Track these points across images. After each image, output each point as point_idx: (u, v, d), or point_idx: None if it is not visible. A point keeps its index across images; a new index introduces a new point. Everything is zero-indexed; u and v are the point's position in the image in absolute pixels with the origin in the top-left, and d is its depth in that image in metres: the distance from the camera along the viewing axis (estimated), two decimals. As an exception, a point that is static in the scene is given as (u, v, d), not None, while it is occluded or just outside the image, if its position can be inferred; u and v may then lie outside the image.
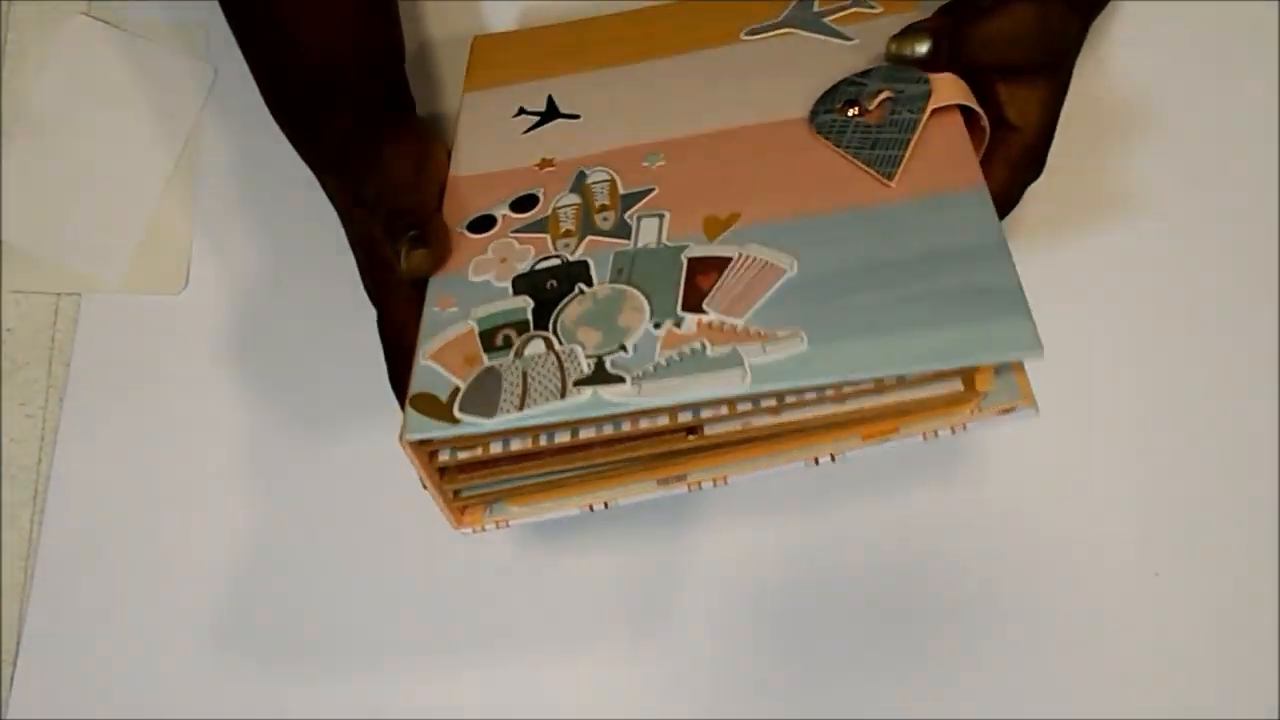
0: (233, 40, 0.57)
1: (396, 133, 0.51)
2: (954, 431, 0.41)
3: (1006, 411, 0.41)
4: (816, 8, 0.51)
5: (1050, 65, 0.48)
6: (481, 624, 0.54)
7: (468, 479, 0.42)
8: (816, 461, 0.42)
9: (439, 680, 0.54)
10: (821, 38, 0.49)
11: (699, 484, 0.43)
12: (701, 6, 0.53)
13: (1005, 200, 0.48)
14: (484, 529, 0.44)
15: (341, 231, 0.51)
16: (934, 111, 0.44)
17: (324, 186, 0.52)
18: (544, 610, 0.54)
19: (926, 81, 0.45)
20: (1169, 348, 0.56)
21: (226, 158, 0.59)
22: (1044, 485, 0.54)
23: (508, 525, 0.44)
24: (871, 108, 0.45)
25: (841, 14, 0.50)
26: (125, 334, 0.58)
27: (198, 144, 0.59)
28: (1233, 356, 0.55)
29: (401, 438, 0.39)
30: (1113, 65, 0.58)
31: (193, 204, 0.59)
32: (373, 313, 0.49)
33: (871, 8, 0.50)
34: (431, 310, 0.43)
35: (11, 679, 0.55)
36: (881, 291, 0.38)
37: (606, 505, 0.43)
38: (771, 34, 0.50)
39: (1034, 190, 0.49)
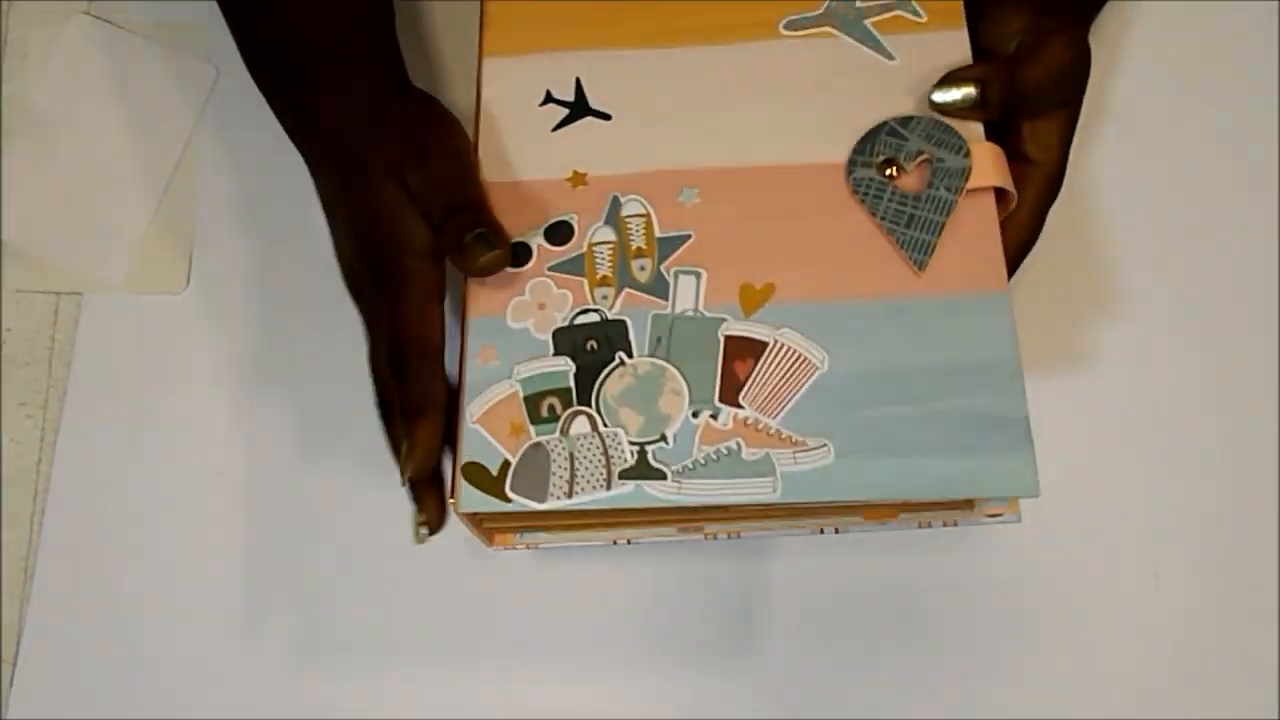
0: (235, 39, 0.57)
1: (427, 110, 0.49)
2: (945, 525, 0.47)
3: (994, 515, 0.47)
4: (859, 2, 0.49)
5: (1073, 99, 0.49)
6: (485, 627, 0.55)
7: (505, 523, 0.47)
8: (821, 531, 0.48)
9: (440, 685, 0.54)
10: (862, 49, 0.48)
11: (714, 535, 0.48)
12: None
13: (1031, 233, 0.49)
14: (514, 548, 0.49)
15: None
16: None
17: (321, 163, 0.50)
18: (556, 619, 0.54)
19: (967, 154, 0.45)
20: (1169, 358, 0.56)
21: (227, 158, 0.59)
22: (1045, 488, 0.54)
23: (538, 546, 0.49)
24: (909, 169, 0.45)
25: (884, 15, 0.49)
26: (125, 334, 0.58)
27: (199, 144, 0.59)
28: (1232, 360, 0.56)
29: (456, 509, 0.43)
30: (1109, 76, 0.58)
31: (194, 204, 0.59)
32: None
33: (917, 15, 0.48)
34: (474, 362, 0.44)
35: (11, 679, 0.54)
36: (903, 406, 0.42)
37: (630, 541, 0.48)
38: (811, 31, 0.49)
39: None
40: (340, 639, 0.55)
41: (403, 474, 0.45)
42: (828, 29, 0.49)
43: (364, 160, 0.48)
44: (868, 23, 0.48)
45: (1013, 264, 0.49)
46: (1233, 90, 0.59)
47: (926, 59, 0.47)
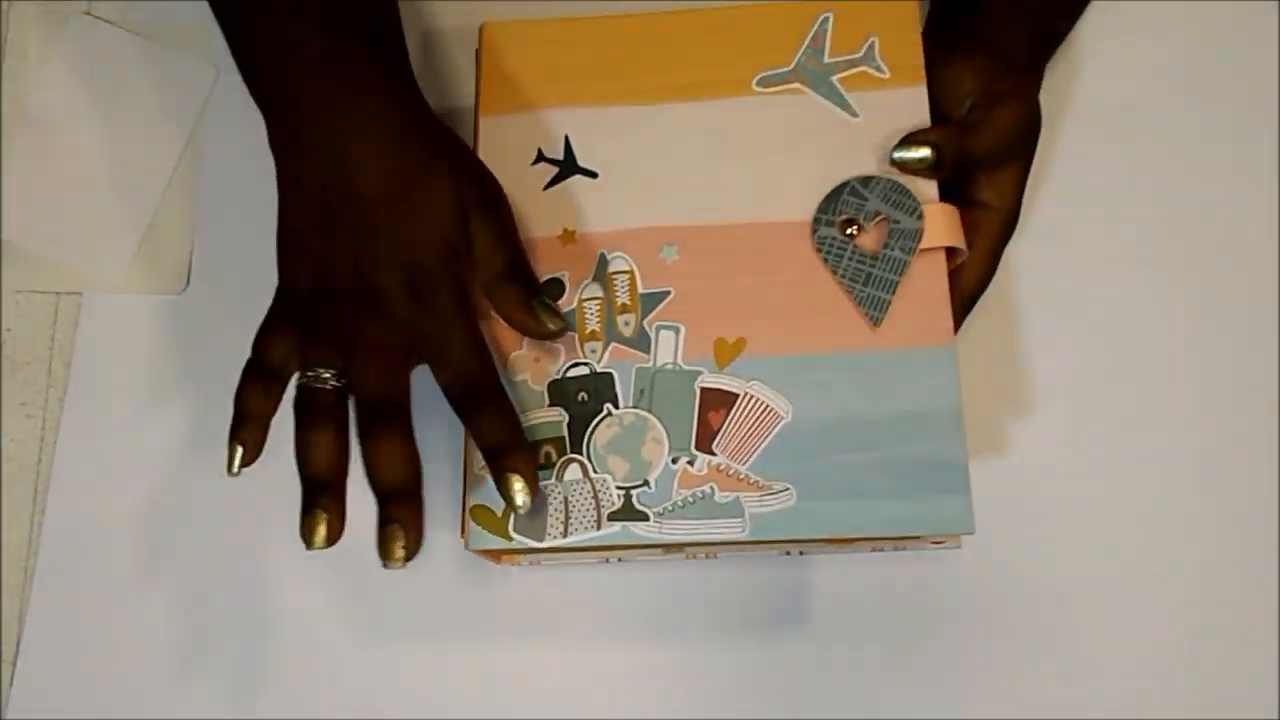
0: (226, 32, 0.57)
1: (469, 147, 0.50)
2: (894, 548, 0.53)
3: (937, 544, 0.52)
4: (826, 59, 0.52)
5: (1026, 149, 0.51)
6: (484, 626, 0.55)
7: (510, 551, 0.49)
8: (788, 552, 0.53)
9: (440, 676, 0.54)
10: (829, 106, 0.51)
11: (694, 554, 0.53)
12: (714, 22, 0.53)
13: (986, 274, 0.52)
14: (519, 564, 0.54)
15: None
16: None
17: (367, 137, 0.47)
18: (551, 618, 0.55)
19: (920, 216, 0.49)
20: (1167, 351, 0.56)
21: (228, 157, 0.59)
22: (1045, 489, 0.54)
23: (539, 563, 0.54)
24: (869, 228, 0.49)
25: (850, 72, 0.51)
26: (125, 334, 0.58)
27: (199, 143, 0.59)
28: (1229, 353, 0.56)
29: (466, 546, 0.48)
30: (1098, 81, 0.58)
31: (194, 204, 0.59)
32: None
33: (880, 71, 0.51)
34: None
35: (11, 679, 0.55)
36: (857, 453, 0.47)
37: (620, 559, 0.54)
38: (782, 88, 0.51)
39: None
40: (340, 637, 0.55)
41: (518, 507, 0.46)
42: (797, 85, 0.51)
43: (431, 180, 0.47)
44: (834, 79, 0.51)
45: (969, 302, 0.52)
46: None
47: (888, 116, 0.50)
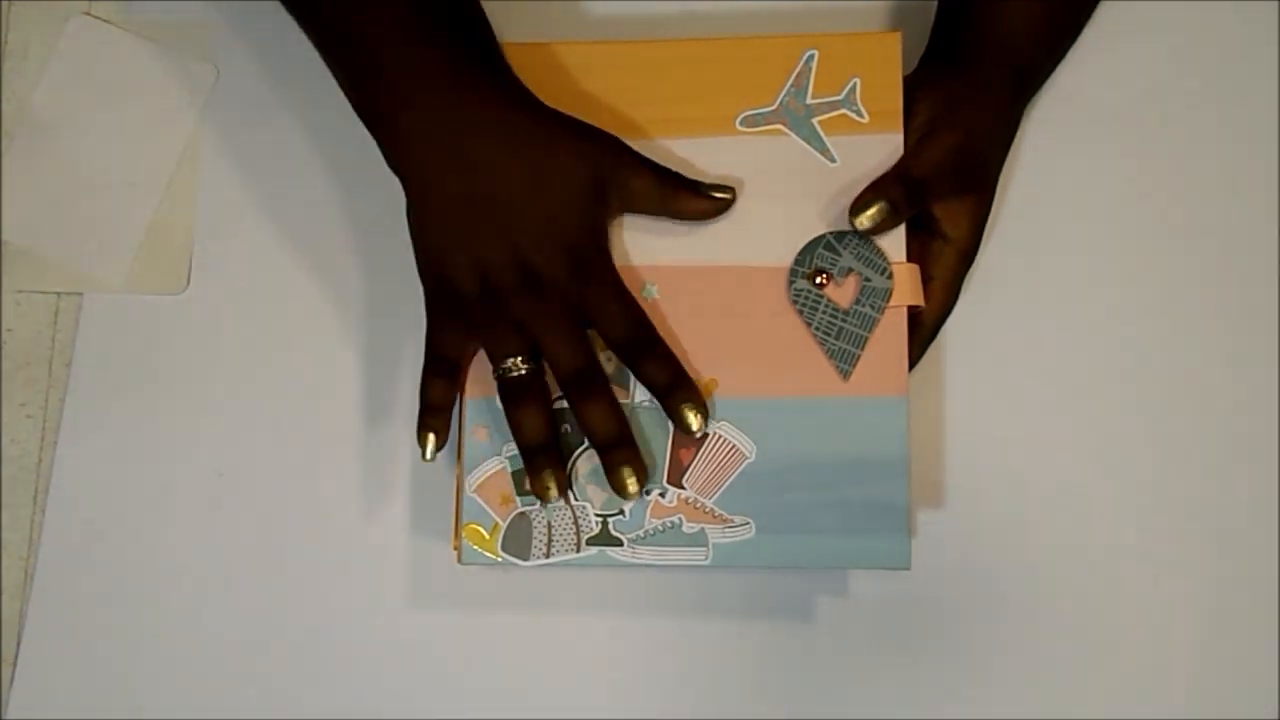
0: (234, 40, 0.57)
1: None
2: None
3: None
4: (809, 99, 0.52)
5: (979, 182, 0.52)
6: (482, 629, 0.55)
7: None
8: None
9: (436, 680, 0.54)
10: (808, 150, 0.52)
11: None
12: (702, 55, 0.52)
13: (948, 303, 0.53)
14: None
15: (349, 240, 0.52)
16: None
17: (510, 137, 0.49)
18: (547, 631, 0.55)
19: (890, 276, 0.50)
20: (1165, 344, 0.56)
21: (228, 158, 0.59)
22: (1044, 491, 0.54)
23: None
24: (841, 283, 0.51)
25: (831, 114, 0.52)
26: (125, 334, 0.58)
27: (199, 144, 0.59)
28: (1231, 347, 0.56)
29: (459, 560, 0.51)
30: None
31: (194, 204, 0.59)
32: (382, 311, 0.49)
33: (859, 115, 0.52)
34: (470, 440, 0.52)
35: (11, 679, 0.55)
36: (811, 492, 0.50)
37: None
38: (764, 129, 0.52)
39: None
40: (338, 639, 0.55)
41: (694, 429, 0.50)
42: (779, 126, 0.52)
43: (559, 158, 0.49)
44: (815, 122, 0.52)
45: (930, 335, 0.53)
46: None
47: (864, 163, 0.51)
